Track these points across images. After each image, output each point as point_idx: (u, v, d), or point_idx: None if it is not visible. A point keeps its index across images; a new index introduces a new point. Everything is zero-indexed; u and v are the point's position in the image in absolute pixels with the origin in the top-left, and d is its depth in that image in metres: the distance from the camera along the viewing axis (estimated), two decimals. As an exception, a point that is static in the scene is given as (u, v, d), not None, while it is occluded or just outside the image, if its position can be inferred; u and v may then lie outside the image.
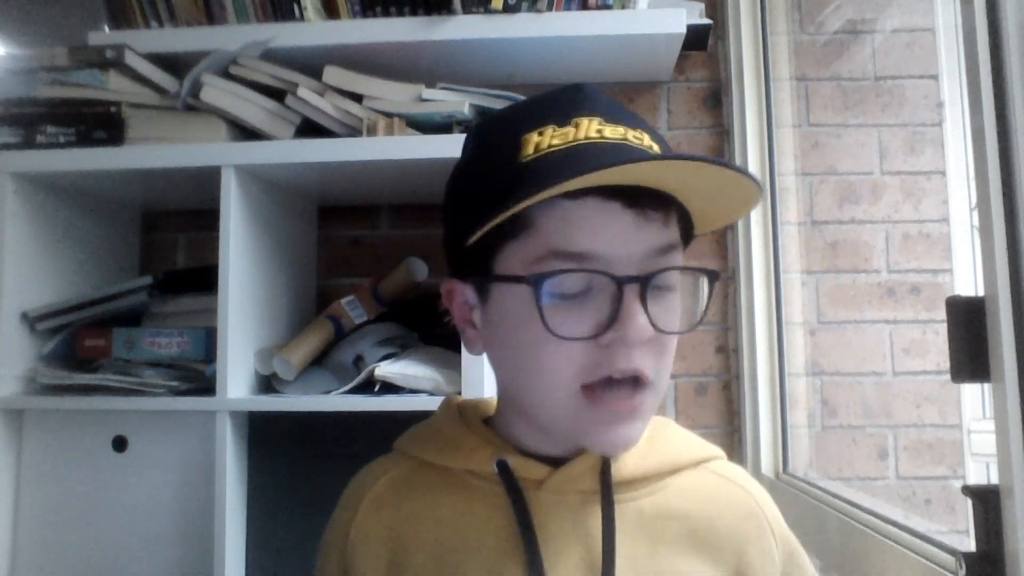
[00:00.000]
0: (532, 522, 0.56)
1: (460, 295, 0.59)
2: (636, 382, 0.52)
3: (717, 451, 0.65)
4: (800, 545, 0.63)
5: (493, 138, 0.56)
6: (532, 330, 0.50)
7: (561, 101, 0.55)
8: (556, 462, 0.58)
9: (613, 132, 0.52)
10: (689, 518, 0.59)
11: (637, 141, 0.52)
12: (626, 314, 0.49)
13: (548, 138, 0.51)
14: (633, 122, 0.54)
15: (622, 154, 0.51)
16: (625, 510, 0.58)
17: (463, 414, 0.65)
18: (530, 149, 0.51)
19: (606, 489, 0.57)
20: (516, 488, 0.57)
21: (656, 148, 0.53)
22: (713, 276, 0.54)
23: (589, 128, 0.52)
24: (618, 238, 0.50)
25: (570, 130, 0.52)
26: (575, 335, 0.50)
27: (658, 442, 0.61)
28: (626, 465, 0.59)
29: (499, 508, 0.57)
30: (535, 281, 0.50)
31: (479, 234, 0.50)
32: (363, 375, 1.12)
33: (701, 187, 0.52)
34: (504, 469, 0.58)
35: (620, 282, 0.50)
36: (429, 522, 0.58)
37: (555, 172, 0.48)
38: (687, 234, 0.56)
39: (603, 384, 0.51)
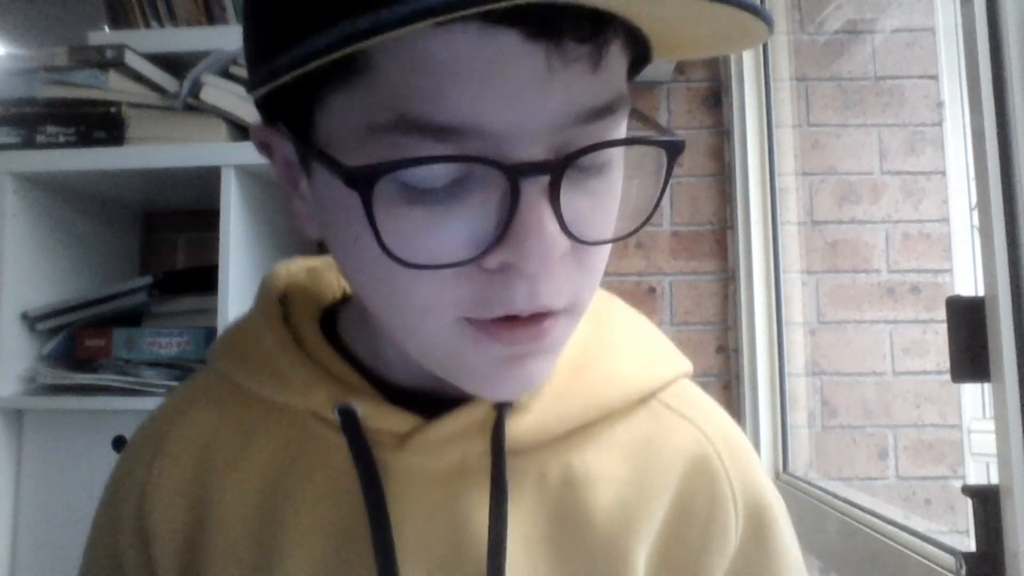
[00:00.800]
0: (384, 498, 0.38)
1: (280, 150, 0.37)
2: (544, 314, 0.33)
3: (676, 367, 0.45)
4: (779, 508, 0.45)
5: None
6: (373, 247, 0.30)
7: None
8: (430, 404, 0.39)
9: None
10: (619, 483, 0.41)
11: None
12: (524, 227, 0.30)
13: None
14: None
15: None
16: (525, 479, 0.40)
17: (293, 313, 0.44)
18: None
19: (498, 454, 0.39)
20: (365, 448, 0.39)
21: None
22: (674, 148, 0.33)
23: None
24: (516, 96, 0.29)
25: None
26: (438, 261, 0.31)
27: (586, 370, 0.42)
28: (533, 416, 0.40)
29: (344, 466, 0.39)
30: (366, 180, 0.29)
31: (280, 80, 0.29)
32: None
33: (671, 8, 0.30)
34: (350, 417, 0.39)
35: (515, 175, 0.29)
36: (247, 480, 0.41)
37: None
38: (637, 61, 0.35)
39: (496, 321, 0.33)
